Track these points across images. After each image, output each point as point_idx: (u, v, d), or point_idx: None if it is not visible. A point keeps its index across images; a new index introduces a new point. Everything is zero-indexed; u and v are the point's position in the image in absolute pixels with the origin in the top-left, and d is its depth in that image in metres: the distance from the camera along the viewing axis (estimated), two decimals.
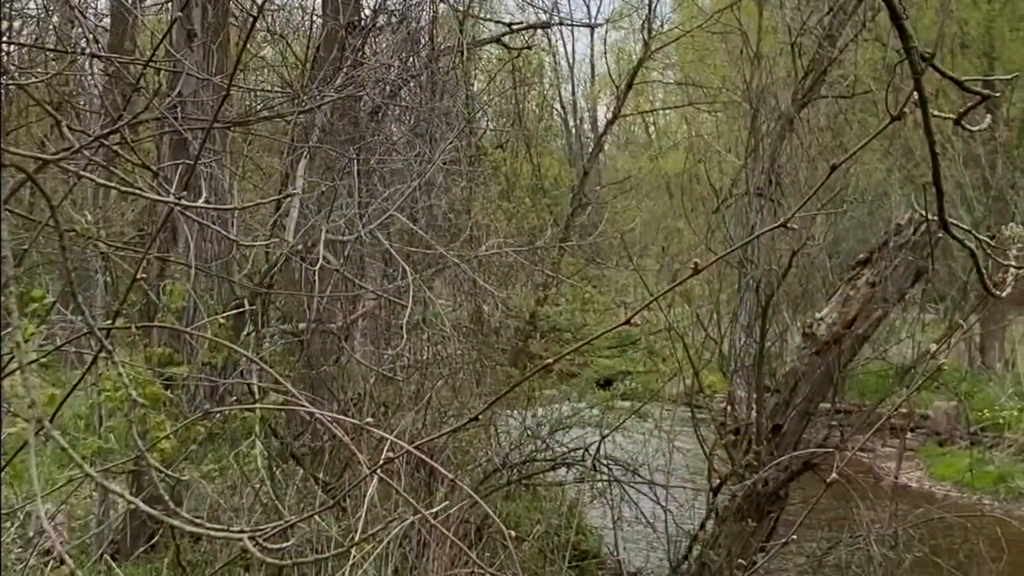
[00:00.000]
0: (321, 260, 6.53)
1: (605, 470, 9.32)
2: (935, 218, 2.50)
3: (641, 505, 9.18)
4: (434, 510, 5.22)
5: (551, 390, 10.66)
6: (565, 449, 9.57)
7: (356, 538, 6.48)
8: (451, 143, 8.78)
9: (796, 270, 9.18)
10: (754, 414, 8.23)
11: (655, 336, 11.22)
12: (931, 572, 8.88)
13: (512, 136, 14.09)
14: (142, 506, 4.29)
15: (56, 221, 2.66)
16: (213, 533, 4.48)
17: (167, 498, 3.90)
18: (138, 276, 2.92)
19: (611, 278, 13.95)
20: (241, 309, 6.79)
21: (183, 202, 2.72)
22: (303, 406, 4.25)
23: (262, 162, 9.97)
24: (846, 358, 8.21)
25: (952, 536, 8.64)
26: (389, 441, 3.90)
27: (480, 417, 5.24)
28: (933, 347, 7.93)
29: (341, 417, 3.96)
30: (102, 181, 3.05)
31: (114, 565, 6.39)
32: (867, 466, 11.02)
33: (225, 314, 6.40)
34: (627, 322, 2.99)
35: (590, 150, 17.58)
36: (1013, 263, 3.43)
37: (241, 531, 3.78)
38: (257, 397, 6.76)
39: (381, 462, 4.31)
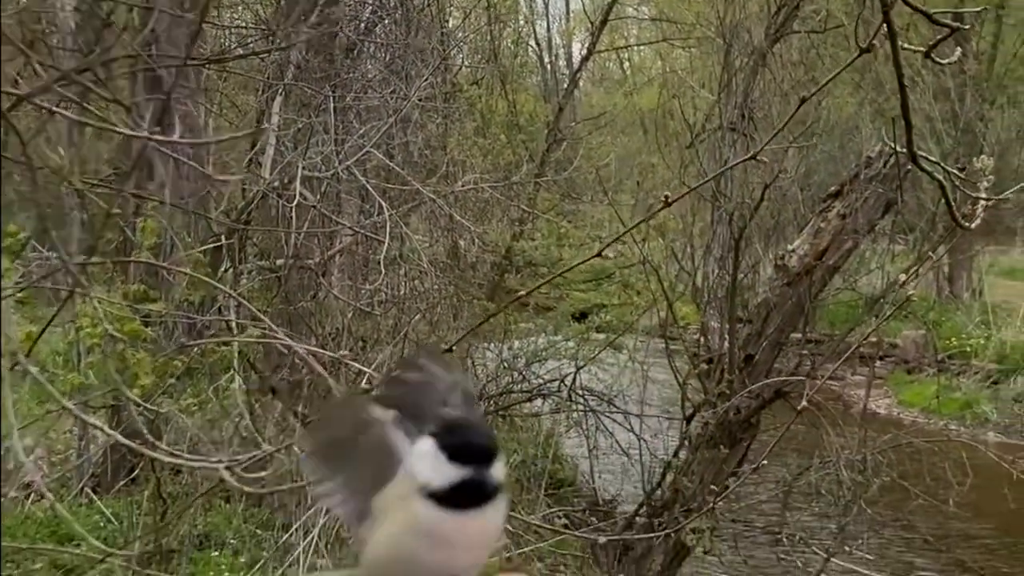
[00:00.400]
0: (298, 197, 6.59)
1: (581, 401, 9.47)
2: (904, 150, 2.58)
3: (616, 434, 9.35)
4: None
5: (527, 324, 10.77)
6: (541, 381, 9.71)
7: None
8: (426, 80, 8.80)
9: (768, 203, 9.28)
10: (726, 344, 8.35)
11: (630, 270, 11.33)
12: (898, 495, 9.09)
13: (487, 73, 14.05)
14: (120, 439, 4.41)
15: (28, 157, 2.72)
16: (191, 463, 4.61)
17: (145, 432, 4.00)
18: (112, 212, 2.99)
19: (586, 213, 14.03)
20: (218, 243, 6.84)
21: (156, 137, 2.78)
22: (279, 338, 4.35)
23: (237, 100, 9.97)
24: (817, 289, 8.32)
25: (919, 461, 8.81)
26: (367, 374, 4.02)
27: (453, 348, 5.33)
28: (902, 277, 8.05)
29: (316, 349, 4.05)
30: (75, 117, 3.09)
31: (95, 498, 6.51)
32: (837, 394, 11.22)
33: (201, 248, 6.46)
34: (598, 254, 3.08)
35: (565, 86, 17.57)
36: (982, 195, 3.53)
37: (219, 461, 3.91)
38: (235, 332, 6.84)
39: (357, 392, 4.43)
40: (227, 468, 3.59)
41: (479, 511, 1.04)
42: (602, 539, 6.17)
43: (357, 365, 4.21)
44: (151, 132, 3.05)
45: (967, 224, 3.48)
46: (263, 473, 4.31)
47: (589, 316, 11.24)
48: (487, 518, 1.06)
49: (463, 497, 1.03)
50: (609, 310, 11.14)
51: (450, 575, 1.05)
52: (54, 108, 3.01)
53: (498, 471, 1.05)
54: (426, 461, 1.05)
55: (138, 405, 4.23)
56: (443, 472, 1.03)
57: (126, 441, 4.16)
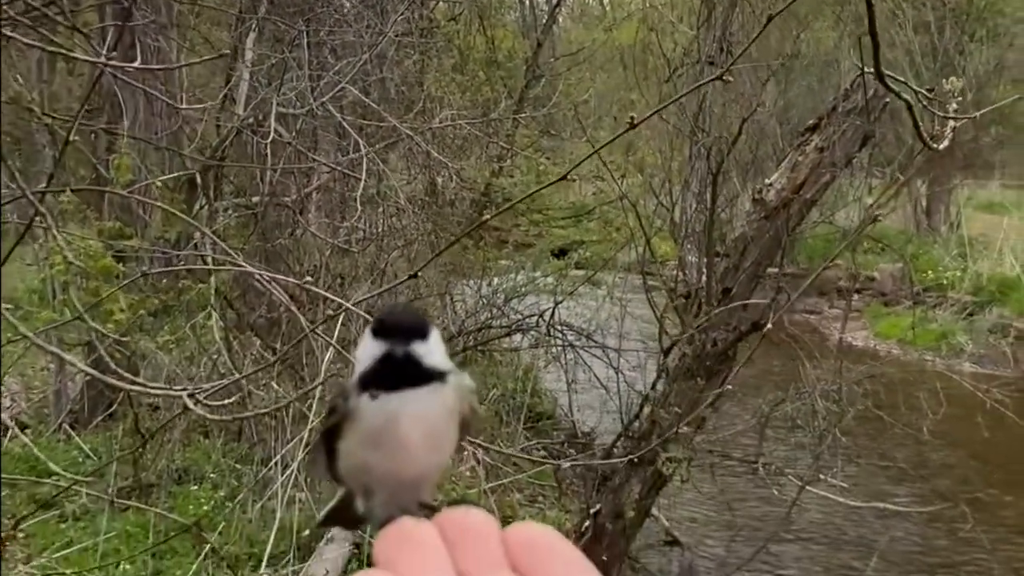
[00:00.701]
0: (272, 134, 6.56)
1: (559, 336, 9.53)
2: (871, 71, 2.58)
3: (594, 368, 9.42)
4: None
5: (507, 260, 10.80)
6: (520, 316, 9.76)
7: (314, 404, 6.66)
8: (402, 15, 8.73)
9: (746, 137, 9.29)
10: (704, 278, 8.38)
11: (608, 206, 11.34)
12: (874, 425, 9.20)
13: (465, 8, 13.94)
14: (92, 372, 4.41)
15: None
16: (153, 392, 4.62)
17: (112, 364, 4.01)
18: (71, 139, 2.97)
19: (565, 149, 13.99)
20: (192, 178, 6.82)
21: (114, 63, 2.76)
22: (242, 267, 4.34)
23: (211, 36, 9.88)
24: (794, 222, 8.34)
25: (895, 391, 8.91)
26: (344, 307, 4.01)
27: (420, 274, 5.34)
28: (871, 199, 8.07)
29: (281, 277, 4.05)
30: (36, 43, 3.06)
31: (73, 434, 6.54)
32: (814, 327, 11.31)
33: (169, 176, 6.42)
34: (564, 177, 3.09)
35: (544, 22, 17.42)
36: (952, 115, 3.53)
37: (183, 389, 3.92)
38: (212, 272, 6.85)
39: (322, 320, 4.43)
40: (191, 396, 3.61)
41: (413, 395, 1.00)
42: (566, 464, 6.21)
43: (322, 291, 4.21)
44: (108, 57, 3.03)
45: (935, 145, 3.49)
46: (228, 400, 4.34)
47: (568, 253, 11.28)
48: (424, 404, 1.01)
49: (388, 376, 1.00)
50: (588, 246, 11.17)
51: (406, 473, 1.04)
52: (11, 34, 2.97)
53: (427, 350, 1.03)
54: (359, 348, 1.02)
55: (103, 336, 4.23)
56: (368, 350, 1.00)
57: (94, 372, 4.18)
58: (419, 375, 1.01)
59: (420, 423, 1.00)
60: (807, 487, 7.89)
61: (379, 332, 1.00)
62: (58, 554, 5.32)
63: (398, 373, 0.99)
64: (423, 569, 0.78)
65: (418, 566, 0.78)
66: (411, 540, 0.81)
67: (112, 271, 5.56)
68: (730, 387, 5.74)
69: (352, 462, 1.04)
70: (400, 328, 1.01)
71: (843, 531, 8.89)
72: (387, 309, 1.10)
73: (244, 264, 4.57)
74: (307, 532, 6.20)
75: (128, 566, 5.66)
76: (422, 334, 1.01)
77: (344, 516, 1.24)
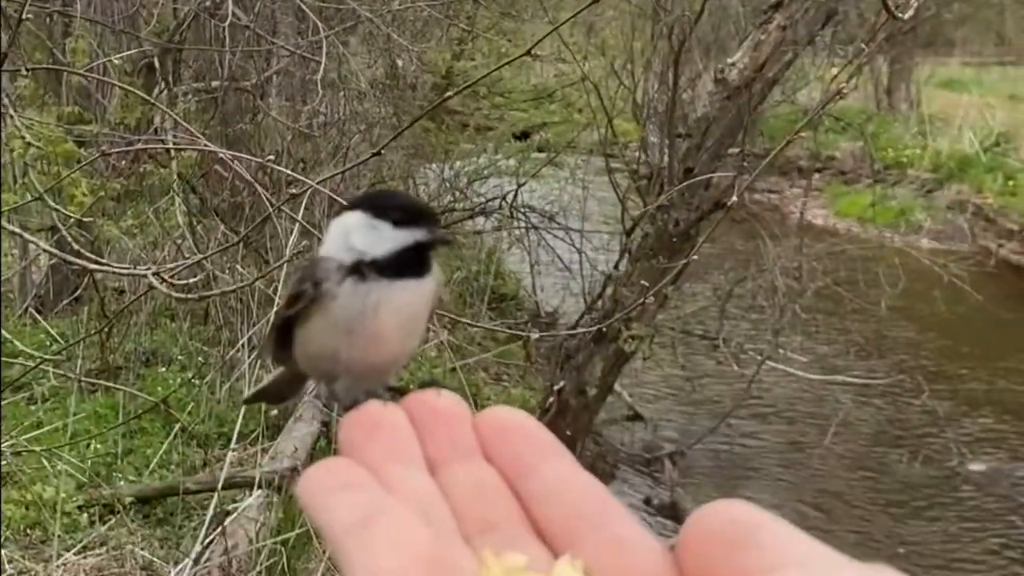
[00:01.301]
0: (230, 16, 6.46)
1: (522, 218, 9.56)
2: None
3: (557, 249, 9.48)
4: None
5: (468, 144, 10.75)
6: (483, 199, 9.77)
7: (279, 287, 6.68)
8: None
9: (709, 16, 9.22)
10: (666, 158, 8.40)
11: (570, 88, 11.27)
12: (833, 302, 9.35)
13: None
14: (55, 252, 4.42)
15: None
16: (117, 271, 4.64)
17: (75, 246, 4.02)
18: (23, 18, 2.94)
19: (527, 32, 13.81)
20: (147, 58, 6.73)
21: None
22: (204, 147, 4.34)
23: None
24: (756, 102, 8.35)
25: (854, 268, 9.04)
26: (308, 187, 4.03)
27: (383, 155, 5.33)
28: (835, 71, 8.06)
29: (244, 156, 4.04)
30: None
31: (39, 318, 6.55)
32: (774, 206, 11.41)
33: (126, 53, 6.35)
34: (526, 53, 3.09)
35: None
36: None
37: (147, 268, 3.94)
38: (173, 155, 6.81)
39: (285, 199, 4.45)
40: (156, 275, 3.64)
41: (404, 284, 0.98)
42: (534, 335, 6.30)
43: (285, 171, 4.22)
44: None
45: (900, 15, 3.50)
46: (192, 280, 4.37)
47: (530, 135, 11.23)
48: (413, 293, 1.00)
49: (408, 264, 0.98)
50: (550, 128, 11.13)
51: (379, 360, 1.00)
52: None
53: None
54: (358, 236, 0.97)
55: (66, 217, 4.23)
56: (391, 240, 0.97)
57: (55, 251, 4.19)
58: (427, 265, 1.00)
59: (403, 312, 0.98)
60: (767, 362, 8.04)
61: (403, 221, 0.97)
62: (28, 435, 5.37)
63: (418, 261, 0.99)
64: (391, 456, 0.77)
65: (386, 453, 0.78)
66: (379, 426, 0.80)
67: (73, 156, 5.53)
68: (695, 258, 5.78)
69: (316, 348, 1.01)
70: (430, 216, 0.98)
71: (802, 405, 9.08)
72: (386, 193, 1.07)
73: (206, 143, 4.56)
74: (275, 411, 6.28)
75: (99, 445, 5.73)
76: (438, 221, 0.99)
77: (272, 394, 1.25)
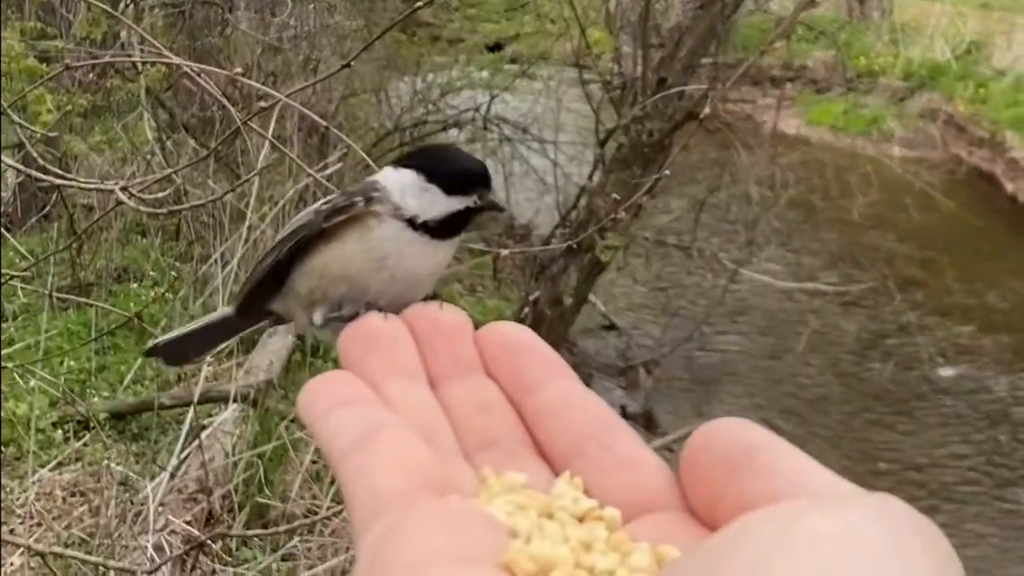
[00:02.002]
0: None
1: (496, 130, 9.50)
2: None
3: (531, 162, 9.44)
4: (327, 172, 5.33)
5: (441, 56, 10.62)
6: (456, 111, 9.70)
7: (251, 202, 6.65)
8: None
9: None
10: (640, 69, 8.35)
11: None
12: (806, 211, 9.37)
13: None
14: (20, 167, 4.36)
15: None
16: (84, 186, 4.59)
17: (41, 162, 3.96)
18: None
19: None
20: None
21: None
22: (170, 59, 4.27)
23: None
24: (730, 11, 8.30)
25: (826, 176, 9.04)
26: (278, 100, 3.97)
27: (354, 67, 5.27)
28: None
29: (211, 68, 3.98)
30: None
31: (7, 235, 6.47)
32: (747, 115, 11.34)
33: None
34: None
35: None
36: None
37: (115, 183, 3.89)
38: (140, 70, 6.71)
39: (255, 111, 4.39)
40: (123, 190, 3.60)
41: (452, 240, 1.02)
42: (505, 252, 6.29)
43: (255, 84, 4.16)
44: None
45: None
46: (162, 194, 4.33)
47: (503, 47, 11.10)
48: (454, 245, 1.03)
49: (455, 227, 1.00)
50: (522, 39, 10.99)
51: (394, 298, 0.97)
52: None
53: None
54: (411, 195, 0.98)
55: (31, 132, 4.18)
56: (442, 205, 0.98)
57: (20, 167, 4.14)
58: (469, 226, 1.03)
59: (430, 265, 1.00)
60: (741, 270, 8.08)
61: (455, 188, 0.97)
62: None
63: (463, 224, 1.00)
64: (391, 371, 0.76)
65: (386, 367, 0.76)
66: (378, 339, 0.78)
67: (36, 72, 5.44)
68: (667, 172, 5.77)
69: (338, 270, 1.00)
70: (481, 180, 0.98)
71: (776, 313, 9.14)
72: (440, 158, 1.03)
73: (172, 57, 4.49)
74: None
75: (72, 362, 5.71)
76: (489, 185, 0.99)
77: (179, 348, 1.20)
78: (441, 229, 0.98)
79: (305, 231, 1.02)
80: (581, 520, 0.67)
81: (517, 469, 0.70)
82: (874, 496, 0.50)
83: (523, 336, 0.78)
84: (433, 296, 0.93)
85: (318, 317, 1.02)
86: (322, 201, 1.04)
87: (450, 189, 0.97)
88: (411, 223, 0.97)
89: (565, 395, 0.75)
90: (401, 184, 0.98)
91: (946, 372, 8.59)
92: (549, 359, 0.77)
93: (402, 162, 1.01)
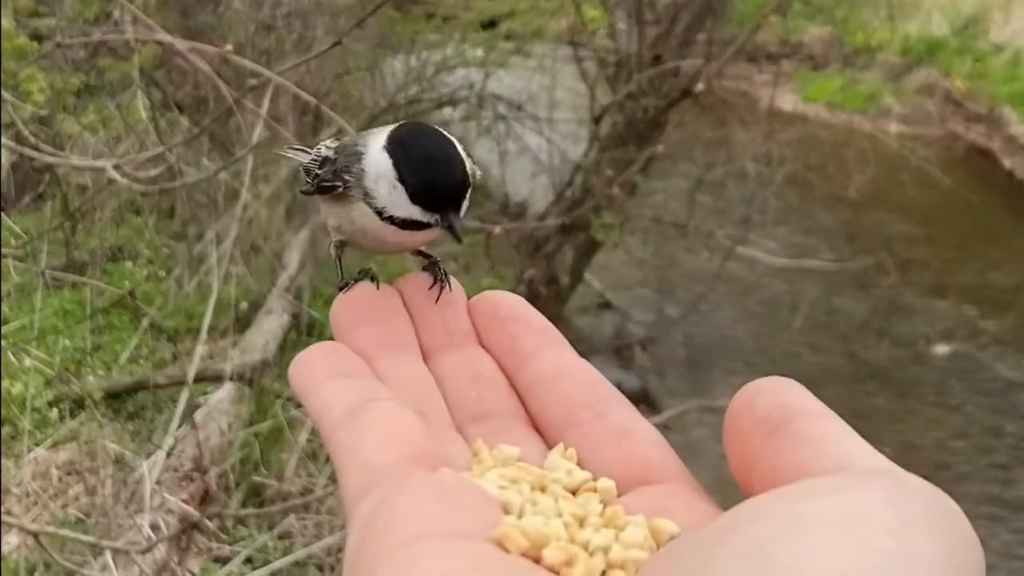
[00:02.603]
0: None
1: (490, 107, 9.47)
2: None
3: (526, 139, 9.40)
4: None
5: (435, 34, 10.58)
6: (451, 89, 9.67)
7: (245, 180, 6.62)
8: None
9: None
10: (635, 45, 8.32)
11: None
12: (802, 188, 9.35)
13: None
14: (13, 146, 4.34)
15: None
16: (76, 164, 4.57)
17: (32, 136, 3.95)
18: None
19: None
20: None
21: None
22: (162, 38, 4.25)
23: None
24: None
25: (823, 153, 9.02)
26: (270, 81, 3.95)
27: (346, 44, 5.24)
28: None
29: (201, 46, 3.95)
30: None
31: (2, 215, 6.45)
32: (744, 91, 11.31)
33: None
34: None
35: None
36: None
37: (107, 161, 3.88)
38: (133, 48, 6.67)
39: (247, 88, 4.38)
40: (116, 167, 3.58)
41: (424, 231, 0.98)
42: (498, 229, 6.28)
43: (247, 63, 4.13)
44: None
45: None
46: (155, 172, 4.31)
47: (497, 24, 11.05)
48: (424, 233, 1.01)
49: (418, 227, 0.96)
50: (517, 16, 10.95)
51: (384, 252, 1.03)
52: None
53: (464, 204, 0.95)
54: (383, 186, 0.95)
55: (23, 110, 4.17)
56: (404, 209, 0.94)
57: (12, 144, 4.12)
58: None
59: (406, 242, 0.97)
60: (737, 248, 8.06)
61: (422, 202, 0.90)
62: None
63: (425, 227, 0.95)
64: (383, 342, 0.75)
65: (378, 339, 0.75)
66: (372, 310, 0.78)
67: (27, 51, 5.41)
68: (661, 148, 5.76)
69: (334, 221, 1.02)
70: (448, 202, 0.92)
71: (772, 291, 9.13)
72: (422, 158, 0.99)
73: (164, 35, 4.47)
74: (244, 305, 6.27)
75: (67, 341, 5.71)
76: (464, 194, 0.93)
77: None
78: (405, 226, 0.95)
79: (305, 188, 1.06)
80: (575, 493, 0.67)
81: (510, 442, 0.70)
82: (888, 476, 0.50)
83: (516, 305, 0.78)
84: (432, 263, 0.93)
85: (332, 247, 1.05)
86: (327, 145, 1.06)
87: (414, 198, 0.93)
88: (378, 212, 0.95)
89: (559, 365, 0.74)
90: (378, 171, 0.95)
91: (942, 350, 8.58)
92: (543, 328, 0.77)
93: (392, 142, 0.96)
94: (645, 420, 0.71)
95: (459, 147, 0.94)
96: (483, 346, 0.77)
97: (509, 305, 0.78)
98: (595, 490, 0.65)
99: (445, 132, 0.96)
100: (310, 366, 0.70)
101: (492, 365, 0.76)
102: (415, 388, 0.73)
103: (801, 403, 0.57)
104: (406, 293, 0.81)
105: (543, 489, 0.65)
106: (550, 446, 0.70)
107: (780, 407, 0.57)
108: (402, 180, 0.93)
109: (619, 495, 0.65)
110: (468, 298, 0.81)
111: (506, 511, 0.61)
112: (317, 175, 1.03)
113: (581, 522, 0.62)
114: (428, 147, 0.94)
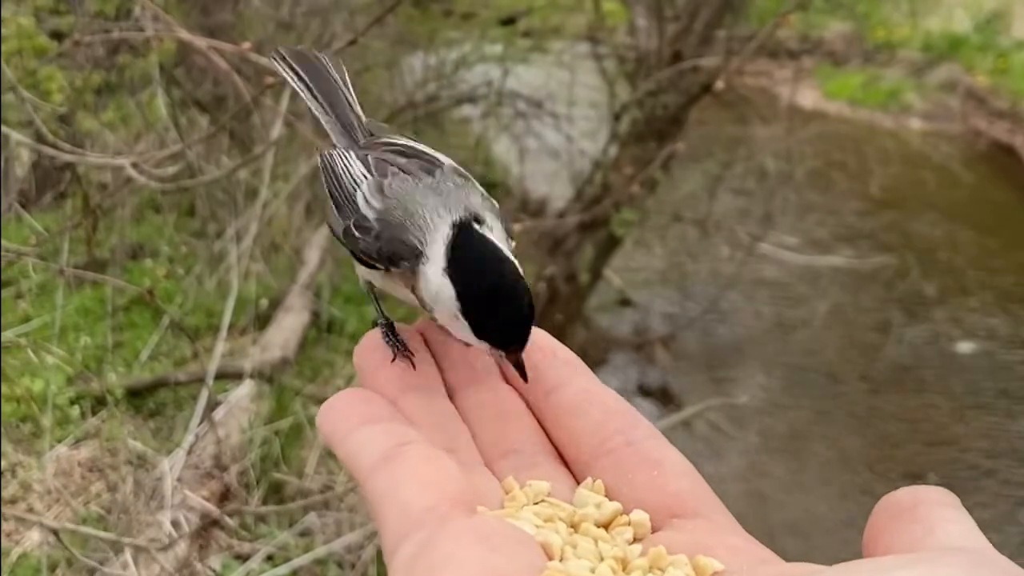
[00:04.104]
0: None
1: (509, 105, 9.46)
2: None
3: (545, 137, 9.39)
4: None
5: (453, 31, 10.59)
6: (469, 86, 9.66)
7: (265, 178, 6.62)
8: None
9: None
10: (655, 42, 8.30)
11: None
12: (823, 184, 9.31)
13: None
14: (30, 142, 4.35)
15: None
16: (95, 161, 4.58)
17: (51, 134, 3.95)
18: None
19: None
20: None
21: None
22: (180, 34, 4.26)
23: None
24: None
25: (844, 149, 8.99)
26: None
27: (362, 38, 5.23)
28: None
29: (219, 43, 3.95)
30: None
31: (24, 213, 6.47)
32: (764, 88, 11.27)
33: None
34: None
35: None
36: None
37: (126, 157, 3.88)
38: (152, 46, 6.69)
39: (265, 86, 4.37)
40: (134, 165, 3.58)
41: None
42: (519, 227, 6.25)
43: (264, 59, 4.13)
44: None
45: None
46: (173, 169, 4.32)
47: (516, 20, 11.05)
48: None
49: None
50: (536, 13, 10.94)
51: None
52: None
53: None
54: (443, 310, 0.90)
55: (42, 109, 4.17)
56: (467, 337, 0.88)
57: (30, 141, 4.13)
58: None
59: None
60: (757, 244, 8.04)
61: (488, 336, 0.86)
62: (15, 329, 5.36)
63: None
64: (407, 384, 0.75)
65: (401, 381, 0.75)
66: (392, 353, 0.78)
67: (47, 50, 5.43)
68: (681, 144, 5.74)
69: (364, 273, 1.02)
70: (520, 337, 0.86)
71: (792, 287, 9.09)
72: (492, 293, 0.92)
73: (182, 32, 4.47)
74: (264, 302, 6.27)
75: (88, 339, 5.72)
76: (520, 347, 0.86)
77: None
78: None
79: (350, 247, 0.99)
80: (607, 526, 0.66)
81: (539, 477, 0.70)
82: (975, 555, 0.53)
83: (537, 338, 0.77)
84: None
85: (362, 284, 1.05)
86: (367, 192, 1.00)
87: (480, 334, 0.86)
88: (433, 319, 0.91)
89: (585, 394, 0.74)
90: (439, 294, 0.89)
91: (965, 348, 8.53)
92: (567, 359, 0.77)
93: (454, 267, 0.90)
94: (674, 448, 0.71)
95: (518, 267, 0.90)
96: (506, 380, 0.77)
97: (536, 339, 0.79)
98: (629, 523, 0.65)
99: (503, 249, 0.91)
100: (339, 413, 0.70)
101: (517, 399, 0.77)
102: (443, 426, 0.74)
103: (932, 495, 0.60)
104: (428, 334, 0.81)
105: (576, 527, 0.65)
106: (578, 478, 0.71)
107: (912, 495, 0.60)
108: (466, 314, 0.87)
109: (654, 529, 0.65)
110: None
111: (546, 553, 0.61)
112: (355, 237, 0.97)
113: (624, 564, 0.62)
114: (493, 279, 0.88)
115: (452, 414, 0.76)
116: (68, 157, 3.92)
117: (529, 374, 0.77)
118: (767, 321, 8.86)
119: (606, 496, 0.68)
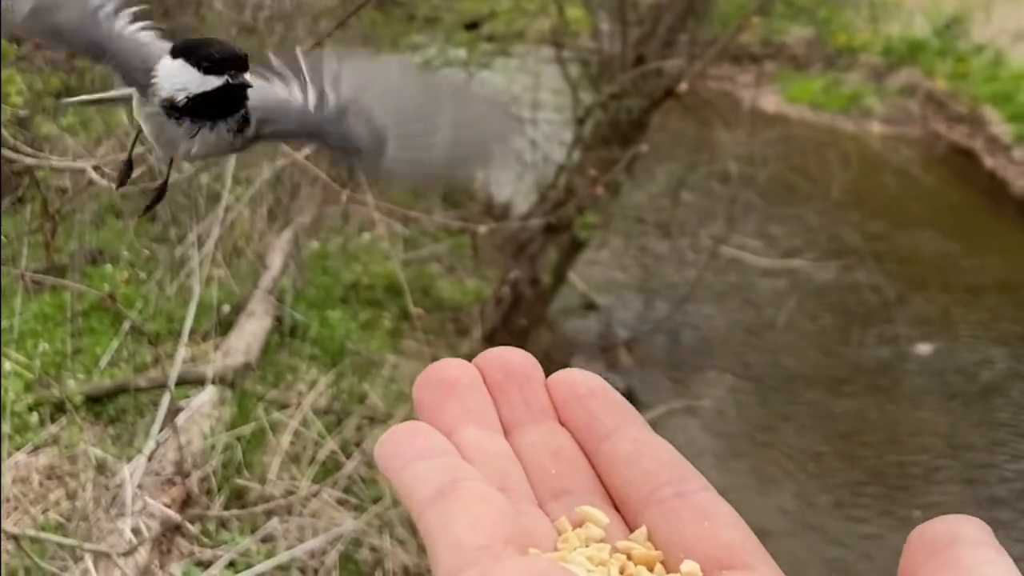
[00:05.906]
0: None
1: None
2: None
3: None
4: (304, 152, 5.29)
5: (418, 36, 10.57)
6: None
7: (227, 182, 6.57)
8: None
9: None
10: (618, 46, 8.34)
11: None
12: (785, 188, 9.37)
13: None
14: None
15: None
16: (55, 164, 4.53)
17: (11, 137, 3.91)
18: None
19: None
20: None
21: None
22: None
23: None
24: None
25: (805, 153, 9.04)
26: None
27: (324, 42, 5.21)
28: None
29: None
30: None
31: None
32: (727, 92, 11.33)
33: None
34: None
35: None
36: None
37: (86, 161, 3.84)
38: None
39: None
40: (96, 168, 3.55)
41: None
42: (483, 229, 6.28)
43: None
44: None
45: None
46: (135, 174, 4.27)
47: (480, 25, 11.05)
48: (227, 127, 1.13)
49: (216, 104, 1.09)
50: (499, 17, 10.95)
51: None
52: None
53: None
54: (173, 77, 1.11)
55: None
56: (197, 82, 1.09)
57: None
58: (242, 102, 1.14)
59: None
60: (721, 247, 8.08)
61: (212, 68, 1.08)
62: None
63: (229, 102, 1.12)
64: (466, 419, 0.75)
65: (461, 415, 0.75)
66: (454, 387, 0.78)
67: (8, 53, 5.37)
68: (644, 147, 5.77)
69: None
70: (234, 62, 1.06)
71: (755, 290, 9.15)
72: (204, 42, 1.15)
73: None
74: (226, 308, 6.23)
75: (46, 345, 5.66)
76: (248, 64, 1.06)
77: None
78: (199, 109, 1.10)
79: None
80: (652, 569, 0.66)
81: (592, 521, 0.70)
82: None
83: (592, 383, 0.77)
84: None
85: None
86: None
87: (208, 70, 1.09)
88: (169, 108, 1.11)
89: (639, 443, 0.74)
90: (168, 72, 1.12)
91: (924, 349, 8.60)
92: (620, 406, 0.77)
93: (171, 52, 1.13)
94: (725, 501, 0.71)
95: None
96: (561, 423, 0.78)
97: (586, 382, 0.78)
98: (679, 572, 0.65)
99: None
100: (396, 447, 0.70)
101: (571, 442, 0.76)
102: (498, 463, 0.73)
103: (970, 533, 0.58)
104: (484, 369, 0.81)
105: (627, 573, 0.65)
106: (630, 526, 0.71)
107: (948, 533, 0.58)
108: (186, 53, 1.12)
109: None
110: (546, 375, 0.81)
111: None
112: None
113: None
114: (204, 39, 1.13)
115: (507, 451, 0.76)
116: (29, 161, 3.89)
117: (584, 418, 0.77)
118: (731, 324, 8.91)
119: (655, 545, 0.69)
